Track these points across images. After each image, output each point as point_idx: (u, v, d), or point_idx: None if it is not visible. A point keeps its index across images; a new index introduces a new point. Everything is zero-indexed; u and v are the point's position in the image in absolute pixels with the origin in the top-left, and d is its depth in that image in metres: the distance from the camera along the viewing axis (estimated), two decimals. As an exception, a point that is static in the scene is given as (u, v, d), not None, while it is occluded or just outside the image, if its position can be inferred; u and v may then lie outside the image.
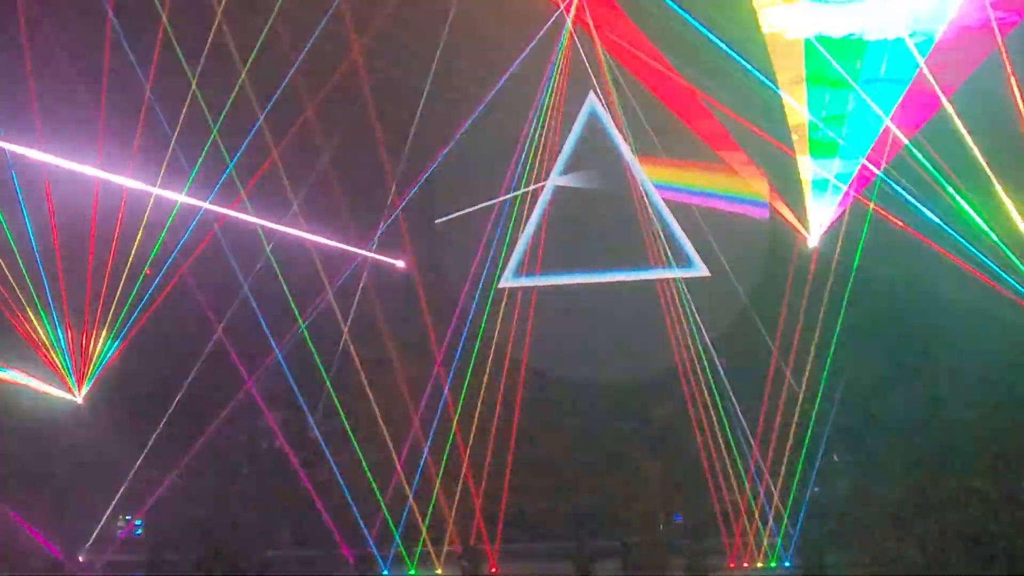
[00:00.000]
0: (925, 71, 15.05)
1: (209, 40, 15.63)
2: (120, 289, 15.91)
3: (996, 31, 14.79)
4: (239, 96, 15.77)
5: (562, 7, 15.77)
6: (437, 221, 16.58)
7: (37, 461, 16.17)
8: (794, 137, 16.07)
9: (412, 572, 15.77)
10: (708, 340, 15.81)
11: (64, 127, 15.37)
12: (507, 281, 16.59)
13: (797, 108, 15.68)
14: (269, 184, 16.06)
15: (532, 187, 16.57)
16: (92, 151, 15.31)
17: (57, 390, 16.01)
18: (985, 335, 15.22)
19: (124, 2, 15.98)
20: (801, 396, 15.57)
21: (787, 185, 16.30)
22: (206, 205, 15.45)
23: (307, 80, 16.05)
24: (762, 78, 15.51)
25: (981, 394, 15.29)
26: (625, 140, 16.38)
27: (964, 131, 14.70)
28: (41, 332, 16.06)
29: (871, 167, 15.55)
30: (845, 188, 15.80)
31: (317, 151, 16.24)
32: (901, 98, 15.42)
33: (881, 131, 15.53)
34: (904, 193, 15.23)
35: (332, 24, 15.95)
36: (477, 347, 16.30)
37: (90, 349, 16.10)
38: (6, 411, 15.96)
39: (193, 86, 15.58)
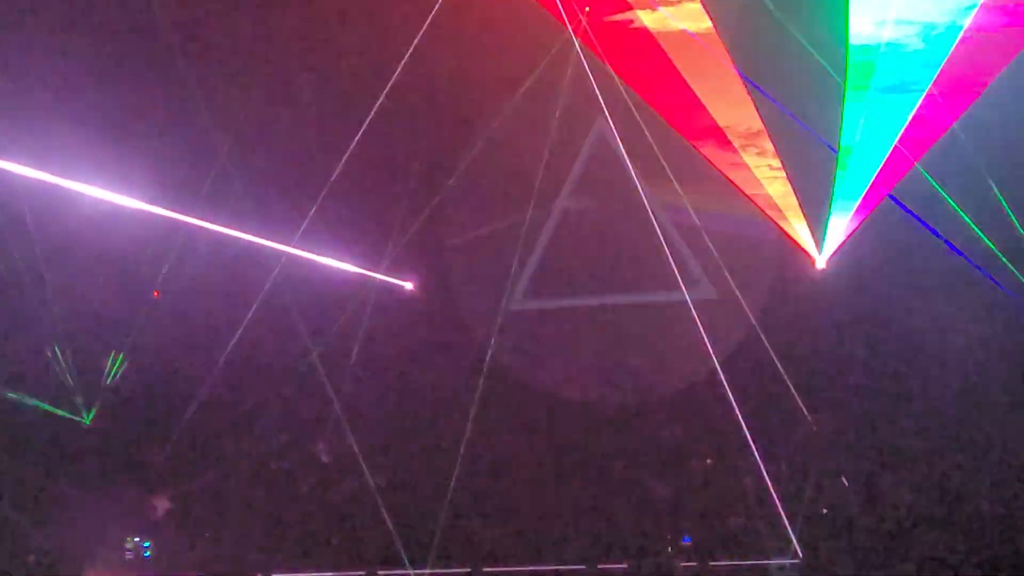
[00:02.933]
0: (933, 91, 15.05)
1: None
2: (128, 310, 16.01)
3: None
4: (242, 112, 15.83)
5: (569, 30, 15.80)
6: (449, 242, 16.61)
7: (43, 482, 16.11)
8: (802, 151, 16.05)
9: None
10: (716, 361, 15.73)
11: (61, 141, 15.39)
12: (516, 304, 16.62)
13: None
14: (273, 203, 16.10)
15: (540, 209, 16.64)
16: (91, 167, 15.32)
17: (64, 412, 16.07)
18: (1000, 358, 15.22)
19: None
20: (810, 418, 15.55)
21: (795, 205, 16.29)
22: (215, 228, 15.48)
23: (313, 100, 16.13)
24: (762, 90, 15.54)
25: (997, 417, 15.26)
26: (633, 162, 16.39)
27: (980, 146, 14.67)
28: (48, 354, 16.11)
29: (883, 184, 15.53)
30: (855, 206, 15.76)
31: (320, 170, 16.19)
32: (915, 109, 15.31)
33: (894, 145, 15.43)
34: (917, 212, 15.19)
35: (337, 43, 16.04)
36: (485, 369, 16.32)
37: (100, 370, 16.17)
38: (13, 432, 16.02)
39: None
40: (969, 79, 15.17)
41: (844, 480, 15.10)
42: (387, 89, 15.77)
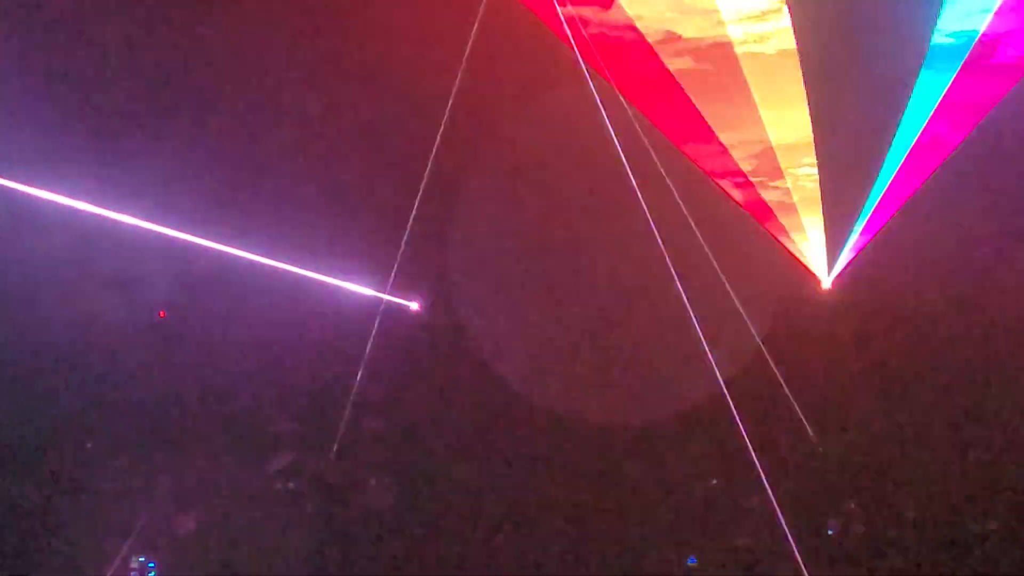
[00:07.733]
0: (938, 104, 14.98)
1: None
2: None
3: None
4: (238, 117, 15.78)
5: (576, 50, 15.73)
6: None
7: (43, 501, 16.07)
8: (807, 165, 16.00)
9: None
10: (721, 382, 15.70)
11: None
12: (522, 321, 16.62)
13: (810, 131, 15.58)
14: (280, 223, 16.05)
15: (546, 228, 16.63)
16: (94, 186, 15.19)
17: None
18: (1008, 377, 15.22)
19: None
20: (816, 440, 15.57)
21: (798, 221, 16.27)
22: (221, 247, 15.42)
23: (320, 119, 16.07)
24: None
25: (1005, 436, 15.27)
26: (636, 179, 16.32)
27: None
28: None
29: (889, 204, 15.49)
30: (861, 227, 15.74)
31: (327, 189, 16.15)
32: (928, 118, 15.22)
33: (905, 157, 15.35)
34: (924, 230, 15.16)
35: (345, 60, 15.96)
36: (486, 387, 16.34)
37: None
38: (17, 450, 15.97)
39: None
40: (974, 101, 15.09)
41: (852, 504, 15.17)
42: (397, 108, 15.77)
